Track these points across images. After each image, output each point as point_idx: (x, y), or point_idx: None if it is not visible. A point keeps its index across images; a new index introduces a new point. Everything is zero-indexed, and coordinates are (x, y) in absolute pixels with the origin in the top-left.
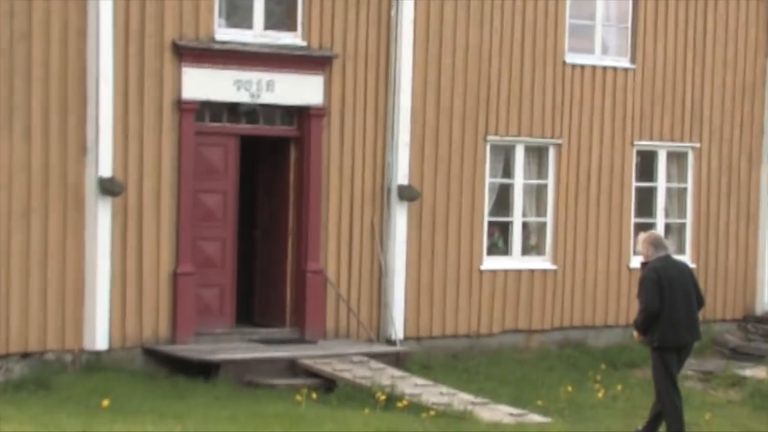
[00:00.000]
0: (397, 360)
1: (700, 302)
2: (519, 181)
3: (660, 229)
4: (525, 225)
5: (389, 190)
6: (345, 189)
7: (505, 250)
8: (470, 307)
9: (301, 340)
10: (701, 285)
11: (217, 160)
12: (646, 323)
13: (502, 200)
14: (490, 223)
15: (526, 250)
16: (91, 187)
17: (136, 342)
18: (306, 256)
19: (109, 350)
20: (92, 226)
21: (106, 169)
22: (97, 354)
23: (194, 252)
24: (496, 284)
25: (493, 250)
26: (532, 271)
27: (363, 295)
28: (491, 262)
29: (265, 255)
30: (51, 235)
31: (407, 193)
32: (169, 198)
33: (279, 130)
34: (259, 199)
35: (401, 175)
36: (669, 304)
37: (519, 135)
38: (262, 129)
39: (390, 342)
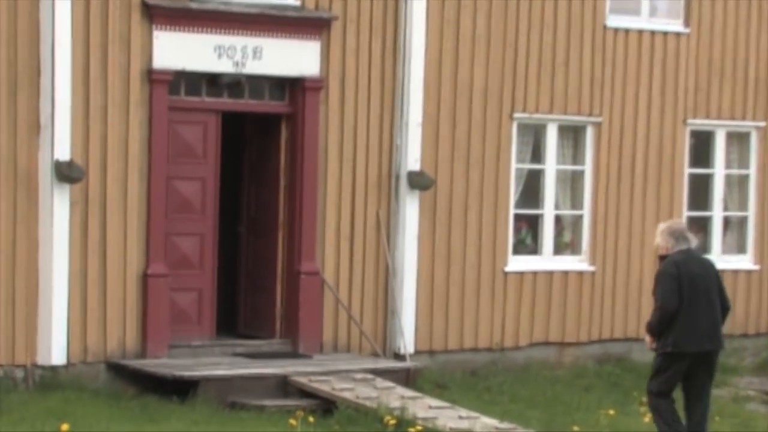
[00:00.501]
0: (407, 378)
1: (725, 307)
2: (551, 166)
3: (717, 224)
4: (558, 219)
5: (398, 178)
6: (346, 176)
7: (534, 249)
8: (493, 315)
9: (294, 354)
10: (766, 291)
11: (195, 140)
12: (662, 324)
13: (531, 189)
14: (517, 217)
15: (559, 248)
16: (45, 173)
17: (99, 356)
18: (300, 254)
19: (68, 365)
20: (47, 218)
21: (63, 152)
22: (54, 369)
23: (168, 250)
24: (524, 288)
25: (519, 248)
26: (565, 273)
27: (367, 301)
28: (518, 263)
29: (251, 253)
30: None
31: (419, 181)
32: (138, 186)
33: (268, 105)
34: (244, 187)
35: (412, 159)
36: (688, 304)
37: (551, 112)
38: (247, 104)
39: (399, 356)
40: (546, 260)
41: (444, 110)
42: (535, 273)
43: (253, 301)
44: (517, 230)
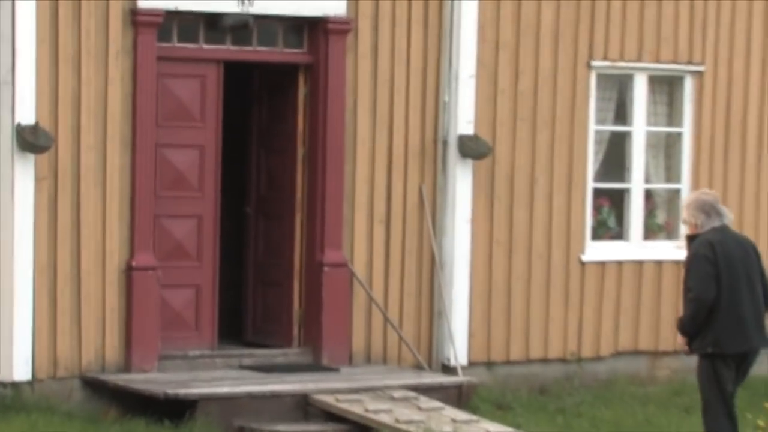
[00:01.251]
0: (459, 396)
1: (767, 296)
2: (639, 128)
3: None
4: (649, 194)
5: (445, 144)
6: (380, 142)
7: (619, 233)
8: (567, 317)
9: (316, 367)
10: None
11: (191, 99)
12: (697, 320)
13: (615, 157)
14: (597, 192)
15: (651, 231)
16: (4, 141)
17: (72, 369)
18: (322, 241)
19: (33, 381)
20: (6, 197)
21: (26, 114)
22: (16, 387)
23: (157, 236)
24: (606, 283)
25: (600, 231)
26: (658, 263)
27: (407, 299)
28: (598, 251)
29: (261, 240)
30: None
31: (473, 148)
32: (120, 156)
33: (282, 54)
34: (252, 157)
35: (463, 121)
36: (729, 293)
37: (639, 60)
38: (256, 53)
39: (448, 369)
40: (634, 247)
41: (504, 58)
42: (620, 263)
43: (265, 300)
44: (596, 209)
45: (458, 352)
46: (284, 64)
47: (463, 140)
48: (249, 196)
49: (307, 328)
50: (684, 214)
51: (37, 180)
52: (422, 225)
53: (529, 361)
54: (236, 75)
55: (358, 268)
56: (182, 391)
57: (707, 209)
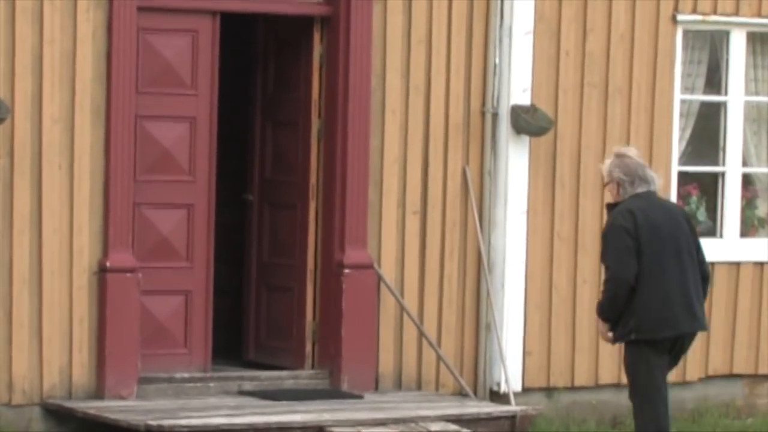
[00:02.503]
0: (512, 429)
1: (704, 274)
2: (737, 98)
3: None
4: (747, 180)
5: (495, 117)
6: (414, 114)
7: (711, 228)
8: None
9: (334, 393)
10: None
11: (180, 59)
12: (617, 302)
13: (706, 134)
14: (683, 177)
15: (749, 225)
16: None
17: (31, 395)
18: (342, 237)
19: None
20: None
21: None
22: None
23: (138, 230)
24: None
25: None
26: (759, 266)
27: (447, 310)
28: None
29: (266, 235)
30: None
31: (529, 122)
32: (91, 130)
33: (293, 4)
34: (255, 132)
35: (518, 88)
36: (652, 270)
37: (736, 13)
38: (261, 2)
39: (498, 396)
40: (729, 245)
41: (568, 11)
42: (711, 265)
43: (270, 309)
44: (683, 199)
45: (510, 375)
46: (296, 17)
47: (517, 112)
48: (251, 180)
49: (323, 345)
50: (605, 176)
51: None
52: (466, 217)
53: (597, 387)
54: (236, 30)
55: (387, 270)
56: (167, 422)
57: (629, 172)
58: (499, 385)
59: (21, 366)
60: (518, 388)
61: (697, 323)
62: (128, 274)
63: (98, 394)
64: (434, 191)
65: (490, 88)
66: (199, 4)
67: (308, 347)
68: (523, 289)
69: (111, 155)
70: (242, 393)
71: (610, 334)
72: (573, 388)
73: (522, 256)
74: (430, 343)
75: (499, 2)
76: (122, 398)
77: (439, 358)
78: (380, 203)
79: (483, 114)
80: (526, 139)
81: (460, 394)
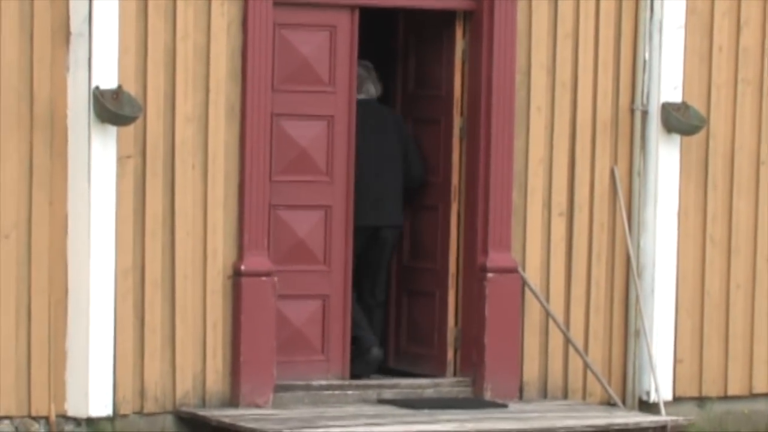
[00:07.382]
0: None
1: (415, 173)
2: None
3: None
4: None
5: (645, 115)
6: (560, 112)
7: None
8: None
9: (476, 402)
10: None
11: (317, 56)
12: None
13: None
14: None
15: None
16: (79, 106)
17: (164, 402)
18: (485, 240)
19: (116, 417)
20: (81, 181)
21: (106, 75)
22: (93, 424)
23: (274, 233)
24: None
25: None
26: None
27: (594, 315)
28: None
29: (406, 238)
30: None
31: (680, 120)
32: (226, 129)
33: None
34: None
35: (668, 85)
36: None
37: None
38: None
39: (648, 406)
40: None
41: (722, 5)
42: None
43: (411, 315)
44: None
45: (660, 383)
46: (438, 11)
47: (667, 110)
48: None
49: (466, 352)
50: None
51: (120, 159)
52: (614, 219)
53: (753, 396)
54: (374, 25)
55: (531, 274)
56: (305, 431)
57: (358, 81)
58: (648, 394)
59: (153, 373)
60: (669, 397)
61: (389, 217)
62: (264, 278)
63: (233, 401)
64: (581, 192)
65: (639, 84)
66: (337, 0)
67: (450, 354)
68: (674, 294)
69: (246, 155)
70: (381, 401)
71: None
72: (726, 398)
73: (673, 260)
74: (577, 351)
75: None
76: (258, 406)
77: (586, 366)
78: (525, 205)
79: (632, 112)
80: (677, 137)
81: (608, 403)
